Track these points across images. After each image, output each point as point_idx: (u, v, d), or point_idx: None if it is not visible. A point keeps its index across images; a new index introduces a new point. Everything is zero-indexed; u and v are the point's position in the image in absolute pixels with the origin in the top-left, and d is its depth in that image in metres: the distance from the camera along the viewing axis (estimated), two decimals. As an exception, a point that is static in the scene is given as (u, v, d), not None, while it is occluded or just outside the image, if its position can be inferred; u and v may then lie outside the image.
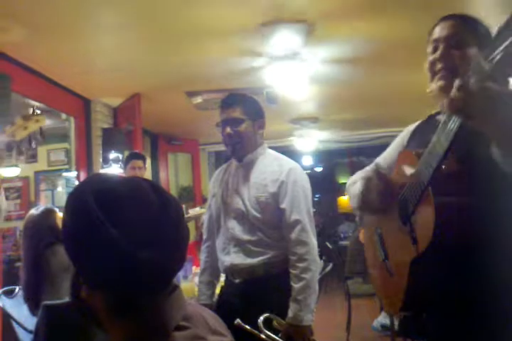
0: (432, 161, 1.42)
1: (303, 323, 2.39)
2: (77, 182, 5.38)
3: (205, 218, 2.91)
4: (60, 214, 3.25)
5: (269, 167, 2.61)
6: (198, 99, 5.36)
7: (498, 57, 1.23)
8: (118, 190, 1.03)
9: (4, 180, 5.96)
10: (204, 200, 7.47)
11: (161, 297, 1.03)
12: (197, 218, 5.62)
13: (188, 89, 5.16)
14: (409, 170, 1.56)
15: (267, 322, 2.30)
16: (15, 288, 3.39)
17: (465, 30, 1.60)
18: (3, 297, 3.35)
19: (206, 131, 6.67)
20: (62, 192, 6.87)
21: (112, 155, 5.11)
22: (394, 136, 1.91)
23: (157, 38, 3.79)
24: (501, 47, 1.21)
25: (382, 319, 5.56)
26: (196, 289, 3.34)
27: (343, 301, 6.36)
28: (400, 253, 1.59)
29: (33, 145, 6.72)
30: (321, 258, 3.43)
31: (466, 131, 1.34)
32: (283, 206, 2.51)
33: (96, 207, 0.97)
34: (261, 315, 2.29)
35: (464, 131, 1.34)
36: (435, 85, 1.62)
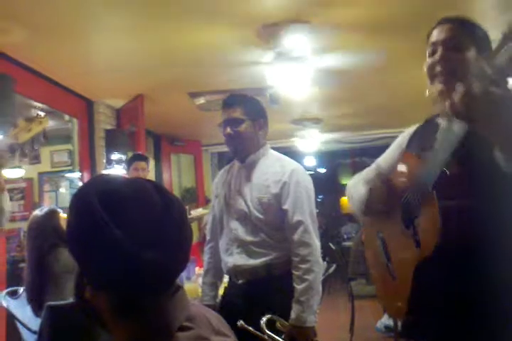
0: (436, 165, 1.43)
1: (306, 324, 2.38)
2: (80, 183, 5.40)
3: (208, 219, 2.91)
4: (63, 215, 3.26)
5: (272, 168, 2.60)
6: (201, 100, 5.37)
7: (501, 61, 1.23)
8: (122, 191, 1.03)
9: (8, 181, 5.97)
10: (207, 201, 7.47)
11: (165, 298, 1.03)
12: (199, 219, 5.63)
13: (191, 90, 5.17)
14: (412, 173, 1.56)
15: (270, 324, 2.30)
16: (19, 289, 3.40)
17: (463, 33, 1.61)
18: (8, 298, 3.36)
19: (209, 132, 6.68)
20: (65, 193, 6.89)
21: (115, 156, 5.13)
22: (396, 137, 1.91)
23: (160, 39, 3.79)
24: (504, 52, 1.21)
25: (386, 320, 5.54)
26: (199, 290, 3.35)
27: (347, 302, 6.35)
28: (403, 257, 1.58)
29: (36, 147, 6.75)
30: (324, 259, 3.43)
31: (466, 134, 1.34)
32: (285, 207, 2.50)
33: (100, 208, 0.97)
34: (264, 316, 2.28)
35: (464, 134, 1.35)
36: (435, 89, 1.63)
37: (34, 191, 7.25)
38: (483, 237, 1.39)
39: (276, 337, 2.25)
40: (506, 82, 1.33)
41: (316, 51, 4.09)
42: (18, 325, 3.22)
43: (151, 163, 6.02)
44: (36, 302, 3.15)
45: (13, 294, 3.39)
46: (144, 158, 4.66)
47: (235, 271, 2.59)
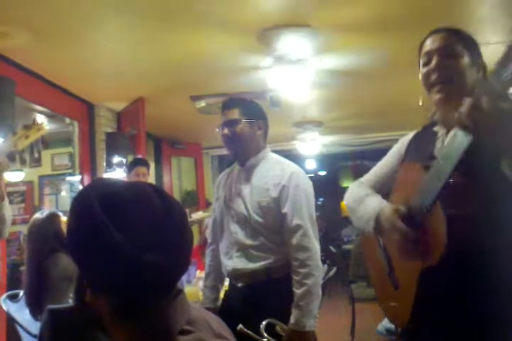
0: (441, 175, 1.42)
1: (305, 329, 2.37)
2: (81, 187, 5.40)
3: (209, 222, 2.91)
4: (64, 219, 3.26)
5: (271, 171, 2.59)
6: (202, 103, 5.37)
7: (509, 76, 1.25)
8: (122, 194, 1.03)
9: (8, 184, 5.98)
10: (208, 204, 7.47)
11: (165, 301, 1.03)
12: (200, 222, 5.62)
13: (192, 94, 5.17)
14: (415, 183, 1.55)
15: (270, 328, 2.30)
16: (19, 293, 3.39)
17: (456, 41, 1.63)
18: (8, 301, 3.35)
19: (209, 135, 6.68)
20: (66, 197, 6.89)
21: (116, 159, 5.12)
22: (397, 140, 1.91)
23: (161, 42, 3.80)
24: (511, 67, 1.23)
25: (387, 323, 5.53)
26: (200, 293, 3.35)
27: (348, 305, 6.35)
28: (407, 265, 1.58)
29: (35, 153, 6.76)
30: (324, 262, 3.42)
31: (471, 144, 1.34)
32: (284, 211, 2.49)
33: (100, 211, 0.97)
34: (263, 319, 2.28)
35: (469, 144, 1.35)
36: (432, 98, 1.64)
37: (34, 194, 7.25)
38: (489, 247, 1.40)
39: None
40: None
41: (316, 54, 4.09)
42: (18, 328, 3.22)
43: (152, 165, 6.02)
44: (34, 305, 3.15)
45: (14, 298, 3.39)
46: (145, 164, 4.66)
47: (235, 275, 2.59)
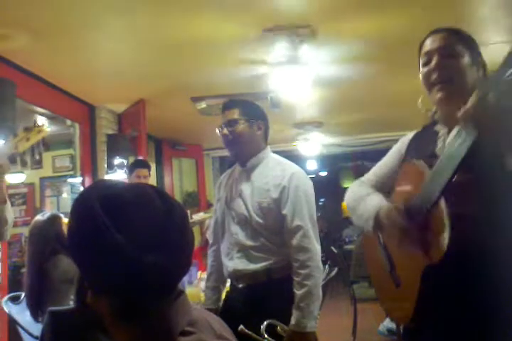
0: (445, 172, 1.43)
1: (306, 330, 2.36)
2: (82, 188, 5.40)
3: (211, 222, 2.91)
4: (65, 221, 3.26)
5: (272, 171, 2.59)
6: (202, 105, 5.38)
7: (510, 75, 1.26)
8: (123, 195, 1.04)
9: (10, 186, 5.98)
10: (209, 205, 7.48)
11: (167, 302, 1.03)
12: (201, 223, 5.63)
13: (193, 95, 5.17)
14: (418, 181, 1.55)
15: (271, 328, 2.30)
16: (21, 294, 3.40)
17: (456, 41, 1.63)
18: (9, 303, 3.36)
19: (210, 136, 6.64)
20: (67, 198, 6.89)
21: (117, 161, 5.12)
22: (397, 140, 1.91)
23: (161, 44, 3.80)
24: None
25: (388, 323, 5.53)
26: (201, 294, 3.35)
27: (349, 305, 6.35)
28: (409, 263, 1.58)
29: (36, 155, 6.77)
30: (326, 262, 3.41)
31: (474, 142, 1.35)
32: (284, 211, 2.49)
33: (102, 213, 0.98)
34: (264, 320, 2.28)
35: (472, 142, 1.35)
36: (433, 97, 1.64)
37: (36, 196, 7.25)
38: (491, 246, 1.40)
39: None
40: None
41: (319, 55, 4.09)
42: (20, 330, 3.22)
43: (153, 167, 6.02)
44: (35, 307, 3.15)
45: (15, 299, 3.39)
46: (146, 165, 4.66)
47: (236, 276, 2.59)
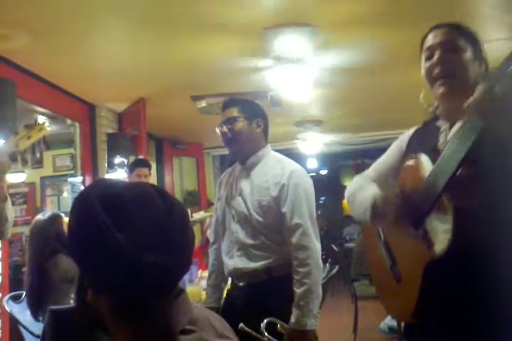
0: (449, 166, 1.42)
1: (306, 328, 2.36)
2: (82, 188, 5.40)
3: (212, 221, 2.92)
4: (66, 220, 3.26)
5: (272, 169, 2.59)
6: (203, 103, 5.37)
7: None
8: (124, 194, 1.04)
9: (10, 185, 5.98)
10: (209, 204, 7.48)
11: (167, 301, 1.03)
12: (202, 222, 5.63)
13: (193, 94, 5.17)
14: (421, 175, 1.55)
15: (271, 327, 2.30)
16: (22, 294, 3.40)
17: (458, 36, 1.63)
18: (11, 302, 3.36)
19: (210, 134, 6.64)
20: (67, 198, 6.90)
21: (117, 160, 5.13)
22: (398, 138, 1.91)
23: (161, 43, 3.80)
24: None
25: (389, 321, 5.54)
26: (202, 293, 3.36)
27: (350, 303, 6.35)
28: (411, 259, 1.57)
29: (37, 153, 6.76)
30: (326, 260, 3.41)
31: (479, 135, 1.34)
32: (284, 210, 2.49)
33: (102, 212, 0.98)
34: (265, 319, 2.28)
35: (477, 135, 1.35)
36: (435, 92, 1.63)
37: (36, 195, 7.25)
38: (494, 240, 1.39)
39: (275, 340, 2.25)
40: None
41: (316, 52, 4.08)
42: (21, 329, 3.23)
43: (153, 166, 6.02)
44: (35, 306, 3.16)
45: (16, 298, 3.39)
46: (146, 164, 4.65)
47: (236, 274, 2.59)
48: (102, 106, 5.29)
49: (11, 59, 3.81)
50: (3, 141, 3.04)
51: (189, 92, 5.12)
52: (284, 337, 2.35)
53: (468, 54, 1.60)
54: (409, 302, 1.54)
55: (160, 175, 7.27)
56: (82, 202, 1.03)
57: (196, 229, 6.04)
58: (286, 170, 2.56)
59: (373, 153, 2.04)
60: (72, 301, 2.93)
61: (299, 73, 4.22)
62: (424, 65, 1.67)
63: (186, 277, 3.76)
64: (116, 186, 1.08)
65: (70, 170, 6.93)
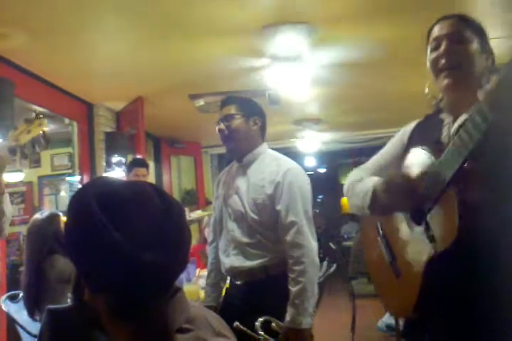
0: (455, 159, 1.40)
1: (302, 326, 2.35)
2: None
3: (211, 219, 2.91)
4: (64, 219, 3.26)
5: (268, 167, 2.58)
6: (200, 102, 5.37)
7: None
8: (121, 193, 1.03)
9: (8, 185, 5.97)
10: (207, 203, 7.48)
11: (164, 299, 1.03)
12: (199, 221, 5.63)
13: (191, 92, 5.17)
14: (425, 168, 1.53)
15: (267, 325, 2.29)
16: (19, 293, 3.40)
17: (465, 27, 1.61)
18: (8, 302, 3.36)
19: (209, 133, 6.65)
20: (65, 197, 6.89)
21: (115, 159, 5.12)
22: (396, 137, 1.90)
23: (159, 42, 3.79)
24: None
25: (387, 319, 5.53)
26: (200, 292, 3.36)
27: (348, 302, 6.35)
28: (412, 253, 1.56)
29: (37, 149, 6.74)
30: (324, 259, 3.41)
31: (488, 128, 1.32)
32: (279, 207, 2.47)
33: (98, 210, 0.97)
34: (261, 317, 2.28)
35: (486, 128, 1.32)
36: (440, 84, 1.61)
37: (34, 195, 7.25)
38: (500, 234, 1.37)
39: (271, 339, 2.24)
40: None
41: (314, 50, 4.08)
42: (18, 328, 3.22)
43: (151, 165, 6.02)
44: (32, 306, 3.15)
45: (13, 298, 3.39)
46: (144, 164, 4.64)
47: (233, 272, 2.59)
48: (100, 105, 5.29)
49: (9, 58, 3.81)
50: (1, 140, 3.04)
51: (187, 91, 5.12)
52: (280, 335, 2.35)
53: (475, 46, 1.58)
54: (409, 298, 1.52)
55: (158, 174, 7.27)
56: (79, 201, 1.03)
57: (194, 228, 6.04)
58: (282, 167, 2.55)
59: (371, 151, 2.02)
60: (69, 301, 2.92)
61: (296, 71, 4.22)
62: (429, 57, 1.64)
63: (184, 276, 3.76)
64: (114, 184, 1.08)
65: (67, 169, 6.92)
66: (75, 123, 5.43)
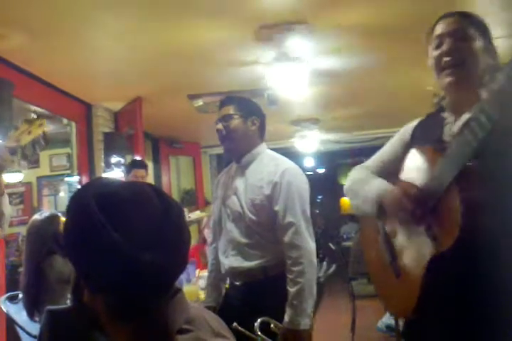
0: (459, 158, 1.38)
1: (300, 328, 2.34)
2: (79, 187, 5.39)
3: (211, 220, 2.91)
4: (63, 220, 3.25)
5: (266, 167, 2.57)
6: (199, 102, 5.37)
7: None
8: (120, 193, 1.03)
9: (7, 185, 5.96)
10: (206, 203, 7.47)
11: (164, 300, 1.03)
12: (199, 222, 5.62)
13: (189, 92, 5.17)
14: (428, 167, 1.52)
15: (266, 326, 2.29)
16: (18, 294, 3.39)
17: (468, 24, 1.60)
18: (7, 302, 3.35)
19: (208, 133, 6.66)
20: (64, 197, 6.88)
21: (114, 159, 5.12)
22: (395, 137, 1.89)
23: (157, 42, 3.79)
24: None
25: (387, 319, 5.53)
26: (199, 292, 3.36)
27: (348, 302, 6.35)
28: (413, 252, 1.55)
29: (37, 150, 6.74)
30: (324, 259, 3.41)
31: (493, 126, 1.31)
32: (276, 208, 2.46)
33: (97, 211, 0.97)
34: (260, 318, 2.27)
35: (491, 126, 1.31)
36: (442, 81, 1.60)
37: (33, 195, 7.24)
38: (503, 234, 1.36)
39: (269, 340, 2.24)
40: None
41: (315, 52, 4.08)
42: (18, 329, 3.22)
43: (150, 165, 6.01)
44: (31, 306, 3.14)
45: (13, 299, 3.38)
46: (143, 166, 4.63)
47: (232, 273, 2.59)
48: (99, 106, 5.29)
49: (8, 58, 3.81)
50: (1, 141, 3.03)
51: (186, 91, 5.12)
52: (278, 336, 2.34)
53: (479, 43, 1.57)
54: (410, 298, 1.51)
55: (157, 175, 7.27)
56: (78, 201, 1.02)
57: (193, 228, 6.04)
58: (280, 167, 2.54)
59: (370, 151, 2.01)
60: (68, 301, 2.92)
61: (295, 71, 4.21)
62: (432, 54, 1.63)
63: (184, 276, 3.75)
64: (113, 185, 1.08)
65: (66, 169, 6.92)
66: (73, 124, 5.42)
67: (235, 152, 2.65)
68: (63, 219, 3.29)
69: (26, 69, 4.07)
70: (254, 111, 2.67)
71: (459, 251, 1.37)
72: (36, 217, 3.39)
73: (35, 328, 2.98)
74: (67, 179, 6.78)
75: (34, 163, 7.12)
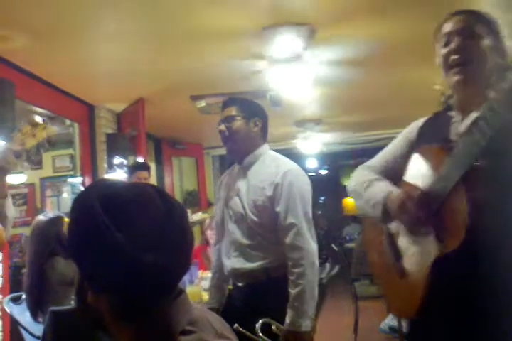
0: (466, 157, 1.38)
1: (301, 329, 2.34)
2: (82, 188, 5.40)
3: (213, 221, 2.91)
4: (67, 221, 3.26)
5: (268, 168, 2.57)
6: (202, 103, 5.37)
7: None
8: (123, 194, 1.04)
9: (10, 186, 5.98)
10: (209, 204, 7.47)
11: (167, 301, 1.03)
12: (202, 223, 5.62)
13: (192, 93, 5.17)
14: (435, 166, 1.51)
15: (267, 327, 2.29)
16: (22, 295, 3.40)
17: (476, 22, 1.59)
18: (11, 303, 3.36)
19: (210, 134, 6.67)
20: (67, 198, 6.89)
21: (117, 160, 5.12)
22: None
23: (160, 43, 3.80)
24: None
25: (390, 321, 5.53)
26: (203, 293, 3.36)
27: (350, 303, 6.34)
28: (417, 253, 1.54)
29: (42, 152, 6.77)
30: (326, 260, 3.40)
31: (500, 126, 1.30)
32: (278, 209, 2.46)
33: (101, 212, 0.97)
34: (261, 319, 2.27)
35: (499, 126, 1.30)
36: (450, 80, 1.59)
37: (36, 196, 7.24)
38: (509, 234, 1.35)
39: None
40: None
41: (314, 50, 4.07)
42: (21, 330, 3.22)
43: (152, 166, 6.02)
44: (35, 307, 3.15)
45: (16, 300, 3.39)
46: (146, 167, 4.63)
47: (234, 274, 2.59)
48: (101, 107, 5.29)
49: (10, 59, 3.81)
50: (4, 142, 3.04)
51: (188, 92, 5.12)
52: (280, 338, 2.34)
53: (487, 42, 1.55)
54: (414, 299, 1.51)
55: (159, 176, 7.27)
56: (82, 202, 1.03)
57: (196, 229, 6.04)
58: (281, 168, 2.54)
59: (373, 152, 2.00)
60: (72, 302, 2.92)
61: (297, 72, 4.21)
62: (440, 53, 1.62)
63: (186, 278, 3.75)
64: (116, 186, 1.08)
65: (69, 170, 6.92)
66: (76, 125, 5.42)
67: (237, 153, 2.65)
68: (67, 220, 3.29)
69: (28, 70, 4.08)
70: (257, 112, 2.67)
71: (464, 252, 1.36)
72: (40, 217, 3.40)
73: (38, 329, 2.99)
74: (70, 180, 6.78)
75: (37, 164, 7.14)
